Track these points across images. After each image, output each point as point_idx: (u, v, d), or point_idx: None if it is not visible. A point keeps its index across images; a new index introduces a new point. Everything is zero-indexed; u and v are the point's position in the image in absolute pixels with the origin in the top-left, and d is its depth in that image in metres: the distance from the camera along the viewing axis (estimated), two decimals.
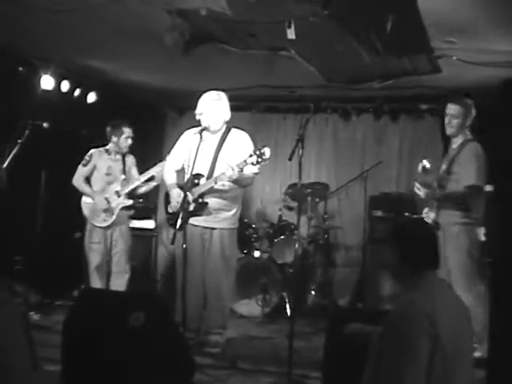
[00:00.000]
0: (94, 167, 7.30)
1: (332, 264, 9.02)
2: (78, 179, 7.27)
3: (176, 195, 5.91)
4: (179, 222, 5.48)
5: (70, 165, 7.38)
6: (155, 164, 6.99)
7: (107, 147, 7.35)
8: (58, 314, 6.96)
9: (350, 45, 6.36)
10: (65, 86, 8.03)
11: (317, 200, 8.83)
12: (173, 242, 5.57)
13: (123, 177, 7.29)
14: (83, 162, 7.29)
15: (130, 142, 7.31)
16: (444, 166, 5.92)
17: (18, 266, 7.22)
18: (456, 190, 5.70)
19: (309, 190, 8.54)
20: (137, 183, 7.22)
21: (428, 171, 5.93)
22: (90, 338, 4.24)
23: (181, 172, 6.16)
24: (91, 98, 8.51)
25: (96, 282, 7.15)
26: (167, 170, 6.29)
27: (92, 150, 7.33)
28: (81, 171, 7.29)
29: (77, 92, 8.29)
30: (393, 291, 7.85)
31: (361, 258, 8.71)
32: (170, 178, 6.19)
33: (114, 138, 7.28)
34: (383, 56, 6.66)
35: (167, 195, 6.19)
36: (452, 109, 5.88)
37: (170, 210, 6.09)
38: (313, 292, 8.35)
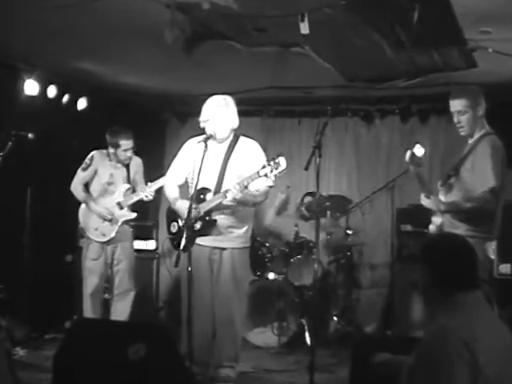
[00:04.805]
0: (95, 173, 7.31)
1: (356, 286, 8.99)
2: (77, 186, 7.27)
3: (184, 207, 5.85)
4: (183, 241, 5.46)
5: (59, 180, 7.39)
6: (160, 176, 6.92)
7: (110, 150, 7.36)
8: (47, 349, 6.96)
9: (371, 39, 6.36)
10: (51, 91, 8.04)
11: (337, 214, 8.81)
12: (176, 265, 5.55)
13: (127, 186, 7.29)
14: (83, 165, 7.30)
15: (129, 154, 7.31)
16: (455, 164, 5.54)
17: (1, 295, 7.22)
18: (466, 199, 5.28)
19: (328, 203, 8.52)
20: (142, 195, 7.21)
21: (418, 161, 5.47)
22: (84, 375, 4.23)
23: (184, 187, 6.15)
24: (82, 104, 8.52)
25: (91, 309, 7.11)
26: (169, 185, 6.25)
27: (93, 152, 7.35)
28: (80, 176, 7.30)
29: (65, 98, 8.31)
30: (426, 316, 7.80)
31: (388, 278, 8.69)
32: (173, 193, 6.16)
33: (112, 149, 7.30)
34: (410, 50, 6.66)
35: (169, 213, 6.17)
36: (456, 105, 5.45)
37: (173, 230, 6.08)
38: (335, 318, 8.30)
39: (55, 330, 7.66)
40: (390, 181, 8.62)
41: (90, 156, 7.33)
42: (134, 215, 7.32)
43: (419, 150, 5.43)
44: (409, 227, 8.43)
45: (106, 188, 7.28)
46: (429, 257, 3.25)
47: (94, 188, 7.34)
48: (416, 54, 6.82)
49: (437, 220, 5.46)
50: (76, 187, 7.28)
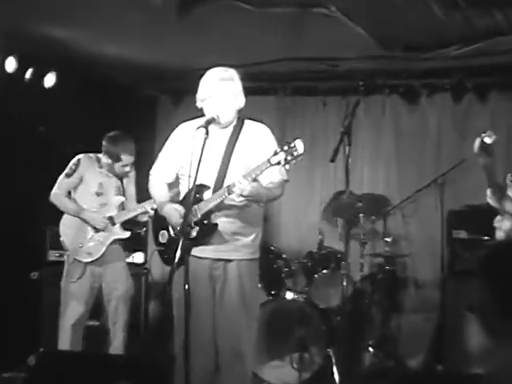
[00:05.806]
0: (81, 180, 7.31)
1: (397, 308, 8.95)
2: (59, 194, 7.25)
3: (174, 213, 5.83)
4: (178, 253, 5.42)
5: (21, 175, 7.38)
6: None
7: (100, 156, 7.38)
8: None
9: None
10: (10, 64, 8.02)
11: (373, 217, 8.79)
12: (170, 282, 5.53)
13: (121, 199, 7.32)
14: (67, 170, 7.29)
15: (127, 169, 7.37)
16: None
17: None
18: None
19: (360, 204, 8.47)
20: (140, 210, 7.32)
21: (488, 150, 5.45)
22: None
23: (175, 184, 6.11)
24: (50, 80, 8.53)
25: (70, 342, 7.10)
26: (155, 182, 6.19)
27: (80, 156, 7.36)
28: (63, 183, 7.29)
29: (29, 73, 8.30)
30: (486, 347, 7.76)
31: (438, 298, 8.67)
32: (161, 194, 6.11)
33: (108, 160, 7.31)
34: (465, 10, 6.61)
35: (157, 219, 6.13)
36: None
37: (162, 240, 6.03)
38: (370, 349, 8.31)
39: (15, 367, 7.63)
40: (440, 175, 8.60)
41: (75, 160, 7.32)
42: (127, 234, 7.34)
43: (490, 138, 5.38)
44: (463, 234, 8.39)
45: (95, 200, 7.31)
46: (490, 271, 3.20)
47: (79, 197, 7.34)
48: (473, 15, 6.77)
49: (505, 224, 5.39)
50: (58, 196, 7.25)
